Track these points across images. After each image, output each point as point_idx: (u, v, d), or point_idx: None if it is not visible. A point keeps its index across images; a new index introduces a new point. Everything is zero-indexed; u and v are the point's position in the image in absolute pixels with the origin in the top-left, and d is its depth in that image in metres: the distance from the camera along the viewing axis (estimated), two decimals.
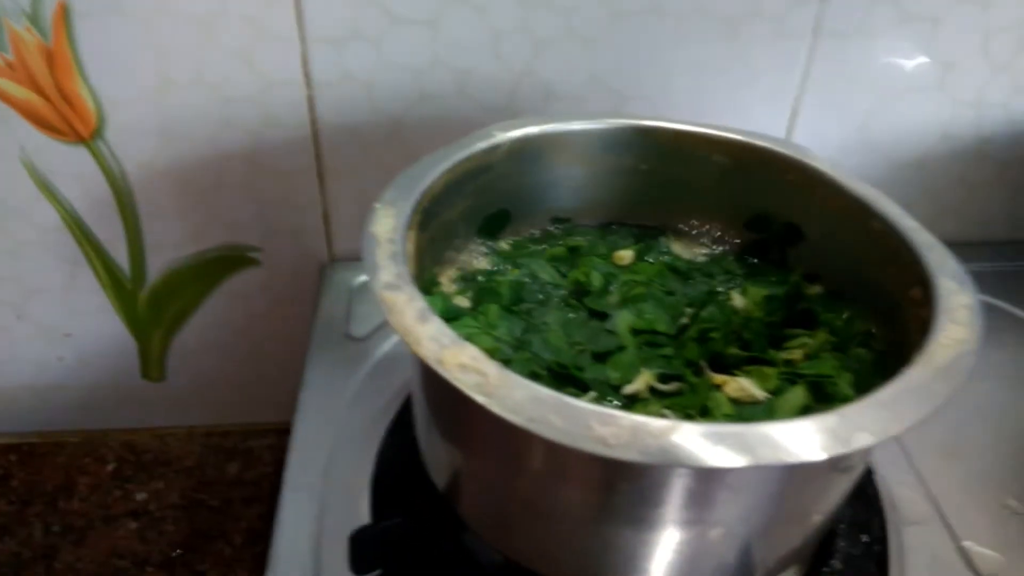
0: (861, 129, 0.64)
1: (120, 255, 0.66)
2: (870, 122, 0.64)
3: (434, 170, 0.43)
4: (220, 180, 0.63)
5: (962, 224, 0.70)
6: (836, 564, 0.45)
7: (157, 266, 0.68)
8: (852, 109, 0.63)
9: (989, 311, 0.64)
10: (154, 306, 0.70)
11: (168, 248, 0.67)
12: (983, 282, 0.65)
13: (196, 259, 0.67)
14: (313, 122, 0.60)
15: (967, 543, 0.48)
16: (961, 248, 0.42)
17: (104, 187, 0.62)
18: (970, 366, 0.34)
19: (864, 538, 0.47)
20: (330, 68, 0.58)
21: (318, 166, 0.63)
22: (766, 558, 0.39)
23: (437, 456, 0.42)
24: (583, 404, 0.30)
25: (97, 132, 0.60)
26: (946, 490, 0.51)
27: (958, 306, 0.36)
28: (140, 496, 0.75)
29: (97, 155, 0.61)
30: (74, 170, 0.61)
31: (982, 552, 0.47)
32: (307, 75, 0.58)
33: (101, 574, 0.70)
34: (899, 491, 0.51)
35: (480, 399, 0.31)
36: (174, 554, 0.70)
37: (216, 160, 0.62)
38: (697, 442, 0.29)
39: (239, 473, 0.76)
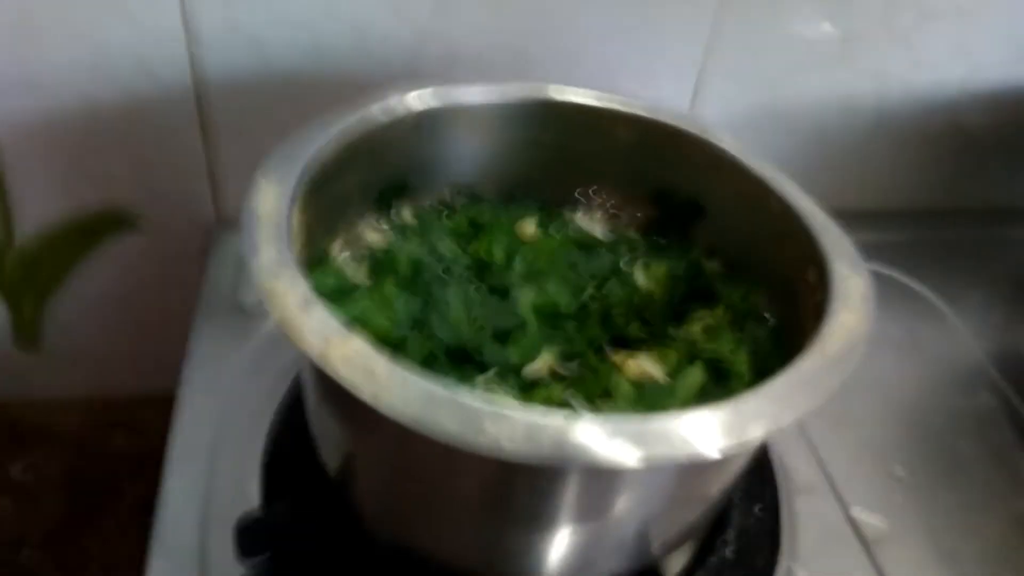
0: (765, 100, 0.64)
1: None
2: (774, 93, 0.64)
3: (323, 137, 0.41)
4: (94, 136, 0.58)
5: (859, 194, 0.72)
6: (730, 536, 0.46)
7: (27, 226, 0.62)
8: (757, 79, 0.63)
9: (881, 280, 0.66)
10: (25, 268, 0.65)
11: (38, 207, 0.62)
12: (879, 252, 0.67)
13: (71, 220, 0.62)
14: (195, 75, 0.56)
15: (855, 510, 0.50)
16: (860, 218, 0.42)
17: None
18: (861, 353, 0.34)
19: (757, 508, 0.48)
20: (213, 12, 0.54)
21: (202, 123, 0.58)
22: (664, 536, 0.39)
23: (327, 441, 0.40)
24: (476, 403, 0.29)
25: None
26: (836, 458, 0.53)
27: (851, 291, 0.37)
28: (16, 470, 0.71)
29: None
30: None
31: (869, 520, 0.49)
32: (186, 20, 0.54)
33: None
34: (791, 460, 0.52)
35: (366, 397, 0.29)
36: None
37: (88, 114, 0.57)
38: (592, 440, 0.29)
39: (125, 445, 0.72)
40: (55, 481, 0.71)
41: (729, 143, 0.45)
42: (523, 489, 0.33)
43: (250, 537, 0.41)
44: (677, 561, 0.45)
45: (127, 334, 0.70)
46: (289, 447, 0.47)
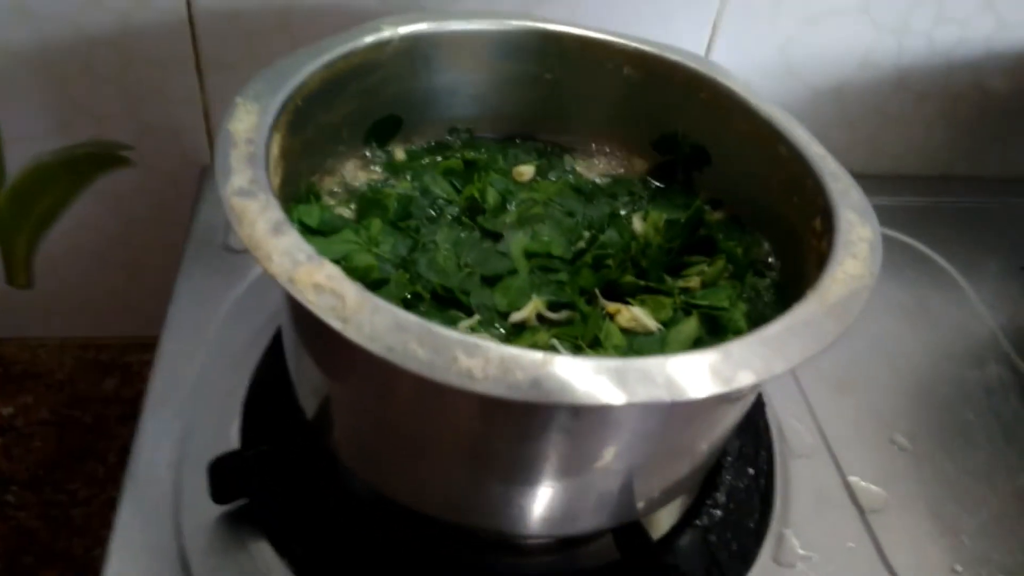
0: (782, 51, 0.62)
1: None
2: (791, 44, 0.61)
3: (310, 64, 0.39)
4: (86, 67, 0.56)
5: (875, 156, 0.69)
6: (720, 497, 0.44)
7: (19, 161, 0.61)
8: (774, 28, 0.60)
9: (893, 245, 0.65)
10: (17, 204, 0.64)
11: (30, 141, 0.60)
12: (890, 216, 0.65)
13: (63, 155, 0.61)
14: (189, 5, 0.54)
15: (853, 478, 0.48)
16: (875, 181, 0.41)
17: None
18: (863, 303, 0.32)
19: (750, 471, 0.47)
20: None
21: (196, 56, 0.56)
22: (649, 491, 0.38)
23: (304, 382, 0.39)
24: (449, 332, 0.27)
25: None
26: (836, 423, 0.51)
27: (857, 239, 0.35)
28: (6, 410, 0.70)
29: None
30: None
31: (867, 487, 0.47)
32: None
33: None
34: (789, 423, 0.50)
35: (335, 324, 0.27)
36: None
37: (81, 44, 0.55)
38: (571, 377, 0.27)
39: (116, 389, 0.71)
40: (44, 422, 0.70)
41: (737, 84, 0.43)
42: (501, 432, 0.32)
43: (224, 479, 0.40)
44: (665, 520, 0.43)
45: (120, 274, 0.69)
46: (272, 392, 0.46)
